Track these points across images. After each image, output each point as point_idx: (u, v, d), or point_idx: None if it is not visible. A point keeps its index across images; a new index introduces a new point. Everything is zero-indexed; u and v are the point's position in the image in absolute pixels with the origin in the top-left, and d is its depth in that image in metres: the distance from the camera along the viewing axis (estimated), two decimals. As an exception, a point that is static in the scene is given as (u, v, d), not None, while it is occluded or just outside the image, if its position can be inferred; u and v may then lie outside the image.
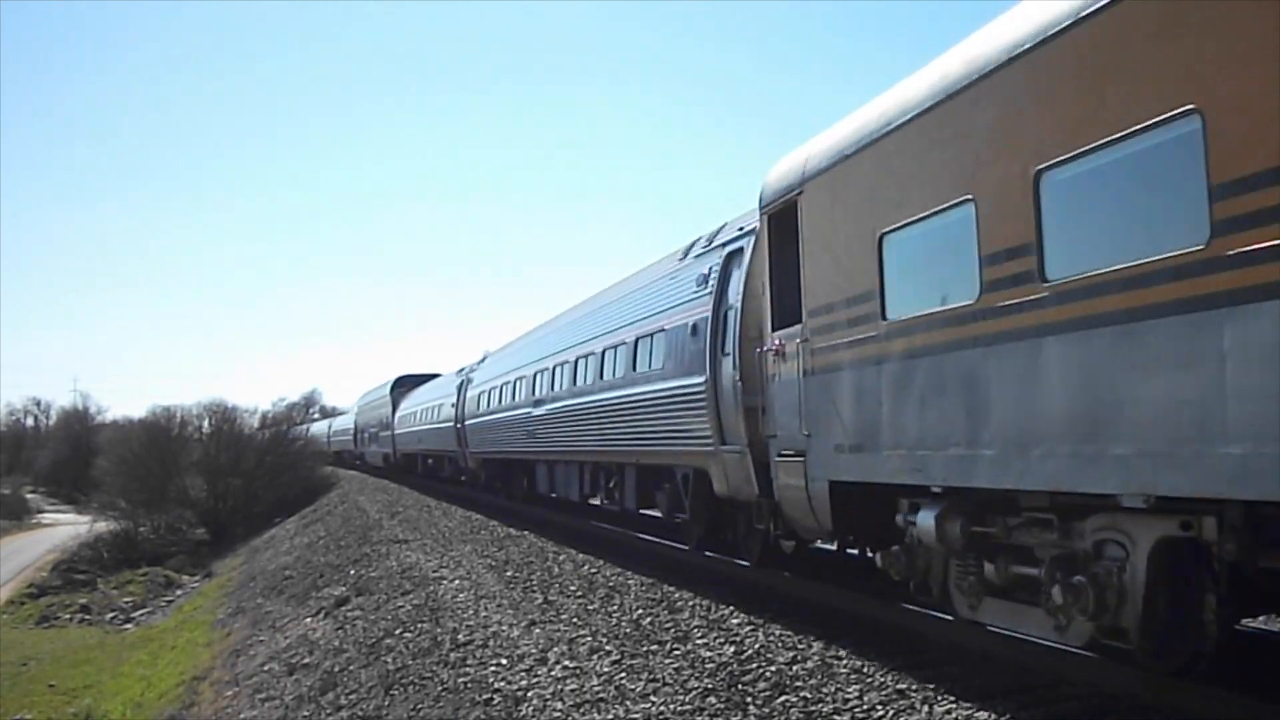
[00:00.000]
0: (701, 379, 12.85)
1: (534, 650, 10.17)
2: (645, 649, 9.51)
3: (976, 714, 6.64)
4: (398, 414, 46.75)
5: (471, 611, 12.78)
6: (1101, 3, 6.25)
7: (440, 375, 43.40)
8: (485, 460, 30.18)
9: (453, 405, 33.14)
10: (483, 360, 31.99)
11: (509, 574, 15.06)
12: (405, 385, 48.25)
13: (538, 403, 21.62)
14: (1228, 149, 5.40)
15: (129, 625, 33.04)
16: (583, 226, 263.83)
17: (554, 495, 22.86)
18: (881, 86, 10.14)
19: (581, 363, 18.67)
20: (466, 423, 31.06)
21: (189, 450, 56.81)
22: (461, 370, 34.69)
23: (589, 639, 10.21)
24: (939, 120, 7.91)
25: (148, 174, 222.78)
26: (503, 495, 28.99)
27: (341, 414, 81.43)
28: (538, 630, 11.01)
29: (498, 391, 26.78)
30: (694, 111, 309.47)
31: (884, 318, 8.52)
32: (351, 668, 13.11)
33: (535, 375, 22.17)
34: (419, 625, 13.19)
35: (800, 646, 8.84)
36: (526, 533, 20.10)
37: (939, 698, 7.03)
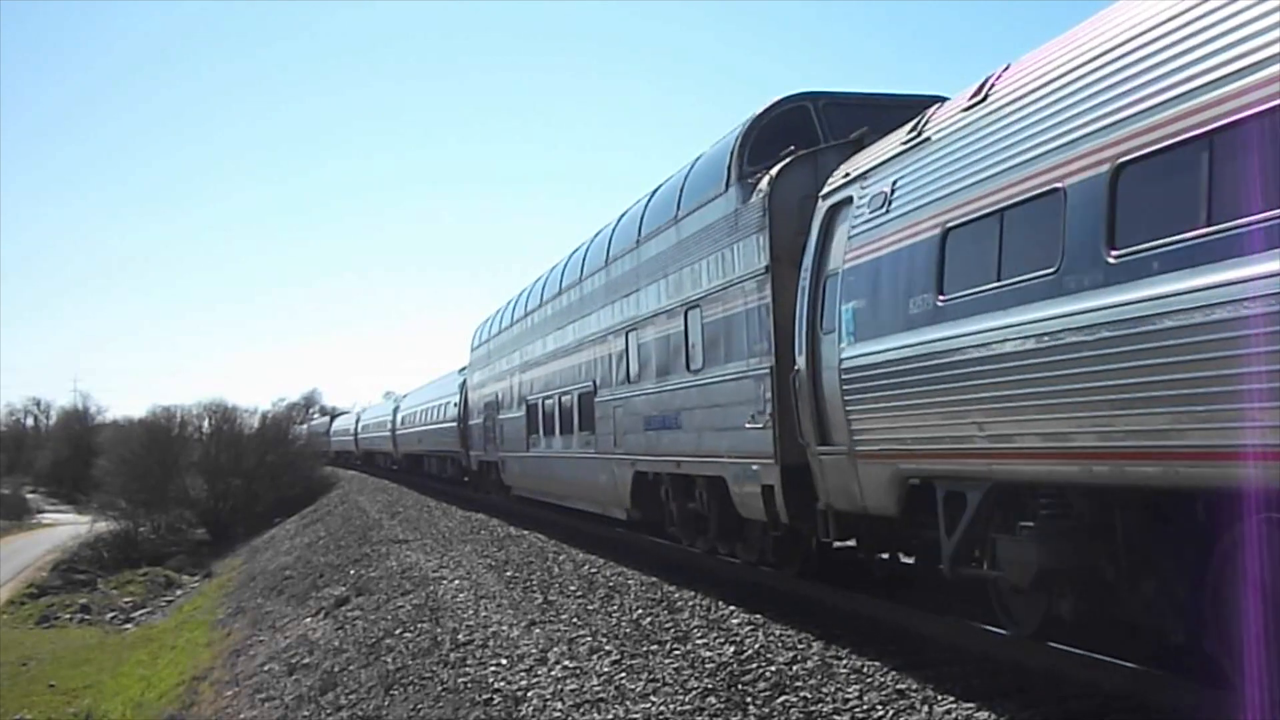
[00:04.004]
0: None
1: (534, 650, 10.18)
2: (645, 649, 9.52)
3: (976, 714, 6.64)
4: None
5: (471, 611, 12.79)
6: None
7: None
8: None
9: None
10: None
11: (509, 574, 15.07)
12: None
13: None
14: None
15: (129, 625, 33.04)
16: (583, 221, 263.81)
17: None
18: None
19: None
20: None
21: (189, 450, 56.84)
22: None
23: (589, 639, 10.22)
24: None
25: (147, 173, 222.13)
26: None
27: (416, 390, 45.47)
28: (538, 630, 11.02)
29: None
30: (683, 94, 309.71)
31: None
32: (351, 668, 13.11)
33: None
34: (419, 625, 13.20)
35: (800, 646, 8.84)
36: (526, 533, 20.12)
37: (939, 698, 7.03)
